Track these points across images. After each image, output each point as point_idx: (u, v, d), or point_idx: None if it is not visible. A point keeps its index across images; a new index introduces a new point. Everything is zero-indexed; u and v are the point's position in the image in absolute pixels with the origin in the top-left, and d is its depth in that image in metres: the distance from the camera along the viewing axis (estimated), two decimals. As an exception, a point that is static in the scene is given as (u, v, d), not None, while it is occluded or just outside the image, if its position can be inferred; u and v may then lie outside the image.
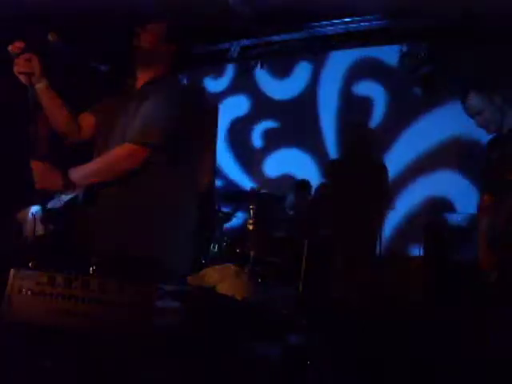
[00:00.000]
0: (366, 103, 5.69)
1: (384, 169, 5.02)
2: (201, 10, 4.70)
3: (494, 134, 3.12)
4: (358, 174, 4.75)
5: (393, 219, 5.28)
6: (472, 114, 3.07)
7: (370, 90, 5.70)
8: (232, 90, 6.52)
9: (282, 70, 6.21)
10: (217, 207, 5.01)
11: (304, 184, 5.23)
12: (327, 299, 3.62)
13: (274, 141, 6.23)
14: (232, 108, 6.51)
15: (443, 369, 2.68)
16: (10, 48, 2.45)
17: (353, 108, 5.80)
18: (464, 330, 2.94)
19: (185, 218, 2.56)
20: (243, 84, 6.39)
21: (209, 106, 6.19)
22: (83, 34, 5.16)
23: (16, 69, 2.45)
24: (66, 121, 2.64)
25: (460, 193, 4.94)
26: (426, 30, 4.94)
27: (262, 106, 6.34)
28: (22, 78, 2.47)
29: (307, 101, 6.06)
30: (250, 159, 6.39)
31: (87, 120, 2.71)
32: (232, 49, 5.77)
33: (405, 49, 5.15)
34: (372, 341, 3.00)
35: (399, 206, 5.32)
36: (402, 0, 4.78)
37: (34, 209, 3.91)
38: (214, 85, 6.56)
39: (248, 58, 6.09)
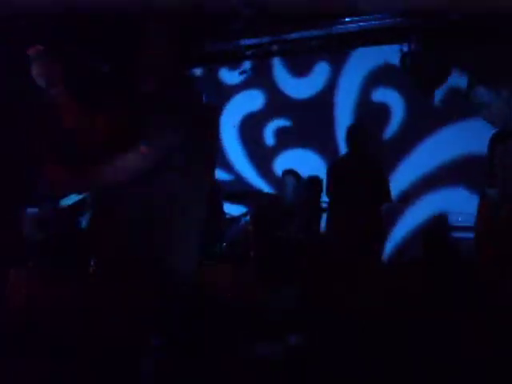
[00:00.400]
0: (382, 109, 5.58)
1: (389, 179, 4.93)
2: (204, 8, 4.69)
3: (498, 129, 3.10)
4: (364, 181, 4.67)
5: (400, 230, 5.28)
6: (479, 107, 3.05)
7: (388, 96, 5.58)
8: (248, 83, 6.33)
9: (301, 68, 6.08)
10: (223, 209, 4.99)
11: (292, 172, 5.22)
12: (327, 299, 3.61)
13: (286, 140, 6.12)
14: (246, 102, 6.35)
15: (442, 370, 2.68)
16: (29, 51, 2.49)
17: (369, 113, 5.66)
18: (464, 332, 2.94)
19: (195, 219, 2.58)
20: (260, 79, 6.24)
21: (213, 106, 6.16)
22: (94, 34, 5.20)
23: (34, 71, 2.48)
24: (80, 124, 2.67)
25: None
26: (427, 29, 4.94)
27: (278, 103, 6.20)
28: (39, 81, 2.51)
29: (324, 101, 5.94)
30: (260, 156, 6.26)
31: (100, 122, 2.73)
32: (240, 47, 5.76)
33: (405, 49, 5.14)
34: (372, 341, 3.00)
35: (408, 218, 5.32)
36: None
37: (32, 210, 3.91)
38: (229, 77, 6.40)
39: (263, 55, 6.00)
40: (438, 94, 5.25)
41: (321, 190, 5.05)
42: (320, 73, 6.01)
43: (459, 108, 4.98)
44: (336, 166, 4.68)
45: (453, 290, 3.35)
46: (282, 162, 6.03)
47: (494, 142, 3.15)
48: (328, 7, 4.80)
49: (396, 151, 5.49)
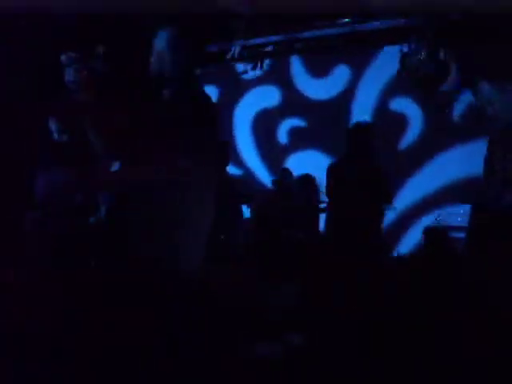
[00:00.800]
0: (399, 119, 5.51)
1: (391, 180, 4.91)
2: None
3: (502, 126, 3.08)
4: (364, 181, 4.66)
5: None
6: (483, 104, 3.04)
7: (406, 106, 5.50)
8: (265, 79, 6.27)
9: (320, 69, 6.00)
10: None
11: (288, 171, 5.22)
12: (327, 299, 3.62)
13: (299, 140, 6.06)
14: (262, 98, 6.28)
15: (443, 370, 2.68)
16: (62, 57, 2.57)
17: (385, 122, 5.57)
18: (464, 332, 2.94)
19: (202, 219, 2.60)
20: (277, 76, 6.17)
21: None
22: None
23: (66, 77, 2.55)
24: (103, 128, 2.72)
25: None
26: (428, 29, 4.93)
27: (293, 101, 6.13)
28: (72, 86, 2.60)
29: (340, 105, 5.85)
30: (272, 154, 6.20)
31: (120, 127, 2.77)
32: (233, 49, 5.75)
33: (405, 49, 5.14)
34: (372, 341, 3.00)
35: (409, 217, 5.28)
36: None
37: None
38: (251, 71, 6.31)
39: (282, 53, 5.94)
40: (458, 109, 5.18)
41: (317, 189, 5.05)
42: (339, 75, 5.92)
43: (478, 125, 4.90)
44: (336, 167, 4.67)
45: (453, 289, 3.35)
46: (294, 162, 5.96)
47: (493, 142, 3.14)
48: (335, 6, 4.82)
49: (409, 163, 5.42)
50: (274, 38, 5.76)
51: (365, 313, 3.26)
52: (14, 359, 2.56)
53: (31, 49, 4.76)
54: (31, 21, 4.53)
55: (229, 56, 5.92)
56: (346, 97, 5.86)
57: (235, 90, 6.38)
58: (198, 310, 2.61)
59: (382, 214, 4.61)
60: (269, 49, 5.92)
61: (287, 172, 5.45)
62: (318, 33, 5.58)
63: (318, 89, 6.01)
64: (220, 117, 2.95)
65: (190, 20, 4.82)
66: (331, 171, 4.62)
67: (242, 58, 5.96)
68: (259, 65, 6.10)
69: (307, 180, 5.18)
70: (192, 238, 2.52)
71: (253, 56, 6.06)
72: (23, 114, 4.68)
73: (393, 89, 5.60)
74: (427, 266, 4.11)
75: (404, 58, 5.11)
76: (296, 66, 6.13)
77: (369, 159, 4.59)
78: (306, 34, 5.63)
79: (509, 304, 2.85)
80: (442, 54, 4.97)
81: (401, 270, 4.25)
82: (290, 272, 3.90)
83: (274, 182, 5.45)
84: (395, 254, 5.27)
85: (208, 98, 2.67)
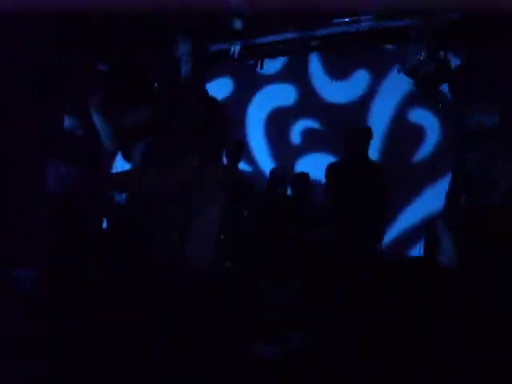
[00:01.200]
0: (417, 131, 5.38)
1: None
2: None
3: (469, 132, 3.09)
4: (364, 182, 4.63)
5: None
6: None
7: (424, 118, 5.35)
8: (282, 76, 6.13)
9: (339, 71, 5.83)
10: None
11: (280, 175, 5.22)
12: (327, 298, 3.62)
13: (312, 142, 5.92)
14: (278, 95, 6.15)
15: (443, 370, 2.68)
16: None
17: (403, 134, 5.46)
18: (464, 332, 2.94)
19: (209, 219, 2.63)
20: (295, 74, 6.04)
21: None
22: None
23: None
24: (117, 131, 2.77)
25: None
26: (428, 29, 4.93)
27: (310, 102, 5.98)
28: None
29: (358, 110, 5.68)
30: (283, 153, 6.08)
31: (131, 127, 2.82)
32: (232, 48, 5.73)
33: (405, 49, 5.14)
34: (373, 341, 3.00)
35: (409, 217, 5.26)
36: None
37: None
38: (268, 66, 6.16)
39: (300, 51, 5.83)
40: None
41: (312, 188, 5.06)
42: (359, 80, 5.77)
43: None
44: (336, 167, 4.67)
45: (453, 289, 3.36)
46: (306, 164, 5.84)
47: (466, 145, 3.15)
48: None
49: (422, 177, 5.30)
50: (291, 35, 5.64)
51: (365, 313, 3.27)
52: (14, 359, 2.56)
53: (36, 47, 4.77)
54: (31, 21, 4.53)
55: (230, 55, 5.93)
56: (364, 102, 5.73)
57: (251, 84, 6.24)
58: (197, 310, 2.62)
59: (382, 214, 4.62)
60: (285, 46, 5.79)
61: (290, 171, 5.44)
62: (334, 30, 5.44)
63: (335, 91, 5.87)
64: (230, 116, 2.94)
65: (193, 20, 4.85)
66: (330, 171, 4.63)
67: (241, 58, 5.94)
68: (259, 65, 6.09)
69: (308, 179, 5.18)
70: (200, 237, 2.54)
71: (253, 55, 6.04)
72: (32, 112, 4.70)
73: (412, 99, 5.46)
74: (428, 266, 4.11)
75: (404, 58, 5.11)
76: (315, 66, 6.02)
77: (368, 160, 4.60)
78: (323, 32, 5.48)
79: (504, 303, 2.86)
80: (441, 54, 4.97)
81: (401, 270, 4.25)
82: (290, 272, 3.91)
83: (276, 181, 5.42)
84: (396, 254, 5.26)
85: (215, 99, 2.70)
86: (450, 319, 3.08)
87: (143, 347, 2.53)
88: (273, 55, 6.01)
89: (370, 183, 4.48)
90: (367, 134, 4.62)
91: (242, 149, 5.12)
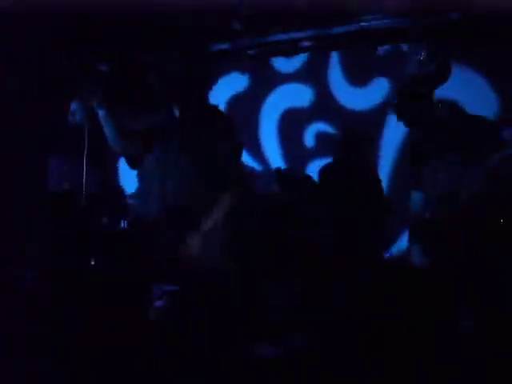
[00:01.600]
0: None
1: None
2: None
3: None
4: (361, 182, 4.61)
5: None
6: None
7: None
8: (300, 76, 5.97)
9: (359, 78, 5.67)
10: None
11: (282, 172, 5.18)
12: (328, 298, 3.62)
13: (326, 146, 5.69)
14: (293, 95, 6.00)
15: (443, 371, 2.68)
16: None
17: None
18: (464, 333, 2.94)
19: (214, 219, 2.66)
20: (313, 75, 5.89)
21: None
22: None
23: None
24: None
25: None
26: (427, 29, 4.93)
27: (326, 105, 5.84)
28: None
29: (374, 120, 5.51)
30: (295, 155, 5.97)
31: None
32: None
33: (405, 49, 5.13)
34: (373, 341, 3.00)
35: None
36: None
37: None
38: (283, 65, 6.04)
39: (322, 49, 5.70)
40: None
41: (312, 188, 5.05)
42: (378, 89, 5.60)
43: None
44: (332, 168, 4.67)
45: (453, 290, 3.36)
46: (317, 168, 5.64)
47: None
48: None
49: None
50: (311, 33, 5.52)
51: (366, 313, 3.27)
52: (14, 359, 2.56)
53: (36, 47, 4.77)
54: (31, 21, 4.53)
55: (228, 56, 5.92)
56: (381, 112, 5.52)
57: (266, 82, 6.11)
58: (198, 310, 2.62)
59: (381, 214, 4.62)
60: (306, 44, 5.68)
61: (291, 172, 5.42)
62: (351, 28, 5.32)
63: (353, 97, 5.72)
64: (230, 121, 2.95)
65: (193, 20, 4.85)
66: (325, 173, 4.64)
67: (258, 54, 5.89)
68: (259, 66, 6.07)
69: (310, 180, 5.18)
70: (201, 237, 2.54)
71: (270, 52, 5.98)
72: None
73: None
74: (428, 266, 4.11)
75: (404, 58, 5.10)
76: (334, 69, 5.85)
77: (363, 163, 4.60)
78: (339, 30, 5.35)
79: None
80: (441, 54, 4.97)
81: (401, 270, 4.25)
82: (291, 272, 3.91)
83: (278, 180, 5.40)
84: (396, 254, 5.26)
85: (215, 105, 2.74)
86: (450, 319, 3.08)
87: (143, 347, 2.53)
88: (290, 53, 5.88)
89: (366, 186, 4.49)
90: (364, 137, 4.63)
91: (240, 150, 5.10)
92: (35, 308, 3.03)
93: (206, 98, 2.84)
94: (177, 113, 2.70)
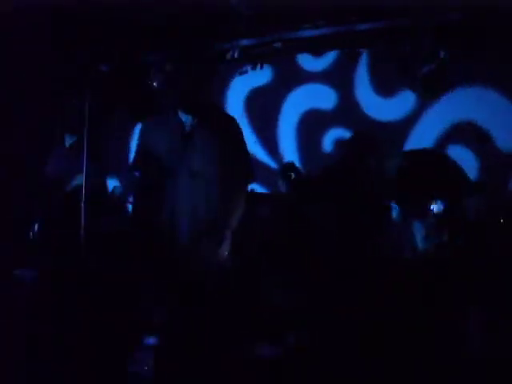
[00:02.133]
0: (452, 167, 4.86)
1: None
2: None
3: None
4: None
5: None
6: None
7: (463, 156, 4.95)
8: (326, 77, 5.81)
9: (386, 88, 5.48)
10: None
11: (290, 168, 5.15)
12: (328, 298, 3.62)
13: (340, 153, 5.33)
14: (316, 96, 5.84)
15: (443, 371, 2.68)
16: None
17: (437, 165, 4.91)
18: (465, 333, 2.94)
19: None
20: (339, 78, 5.73)
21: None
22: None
23: None
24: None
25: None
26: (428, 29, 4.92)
27: (349, 111, 5.66)
28: None
29: (397, 132, 5.33)
30: (311, 158, 5.81)
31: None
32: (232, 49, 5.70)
33: (405, 48, 5.12)
34: (373, 341, 3.00)
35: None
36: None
37: None
38: (311, 63, 5.87)
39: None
40: None
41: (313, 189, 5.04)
42: (405, 101, 5.42)
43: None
44: (331, 170, 4.67)
45: (453, 289, 3.36)
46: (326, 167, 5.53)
47: None
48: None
49: None
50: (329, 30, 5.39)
51: (366, 313, 3.27)
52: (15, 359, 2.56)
53: (36, 47, 4.77)
54: (31, 21, 4.53)
55: (229, 56, 5.91)
56: (404, 126, 5.39)
57: (290, 78, 5.96)
58: (198, 310, 2.62)
59: (382, 214, 4.62)
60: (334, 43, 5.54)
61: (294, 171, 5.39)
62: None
63: (377, 106, 5.54)
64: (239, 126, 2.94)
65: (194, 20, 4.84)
66: (325, 174, 4.63)
67: (241, 59, 5.90)
68: (259, 65, 6.06)
69: (312, 180, 5.17)
70: (201, 237, 2.55)
71: (254, 56, 5.99)
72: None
73: (455, 134, 5.16)
74: (428, 266, 4.11)
75: (404, 58, 5.10)
76: (361, 75, 5.67)
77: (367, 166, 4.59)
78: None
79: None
80: (442, 54, 4.97)
81: (402, 270, 4.25)
82: (291, 272, 3.91)
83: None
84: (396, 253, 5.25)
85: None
86: (450, 319, 3.08)
87: (144, 347, 2.54)
88: (318, 52, 5.76)
89: (368, 188, 4.49)
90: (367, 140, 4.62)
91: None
92: (35, 308, 3.03)
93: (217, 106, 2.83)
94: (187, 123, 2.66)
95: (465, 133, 5.07)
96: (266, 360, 2.81)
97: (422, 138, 5.28)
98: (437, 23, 4.83)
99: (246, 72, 6.06)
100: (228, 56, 5.79)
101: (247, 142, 2.76)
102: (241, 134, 2.70)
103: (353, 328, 3.09)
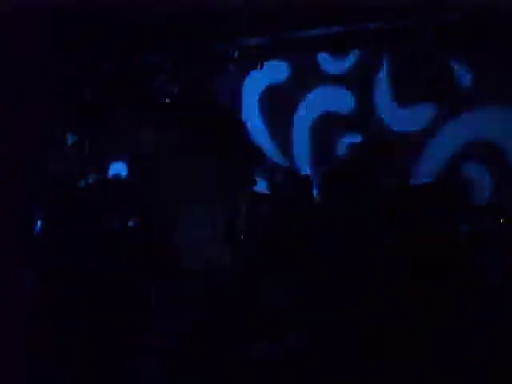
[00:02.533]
0: (466, 184, 4.86)
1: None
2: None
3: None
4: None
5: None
6: None
7: (478, 174, 4.93)
8: (345, 80, 5.66)
9: (407, 98, 5.31)
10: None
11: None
12: (328, 298, 3.62)
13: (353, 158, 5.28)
14: (334, 98, 5.71)
15: (443, 371, 2.68)
16: None
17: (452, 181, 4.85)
18: (465, 333, 2.94)
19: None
20: (360, 84, 5.57)
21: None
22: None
23: None
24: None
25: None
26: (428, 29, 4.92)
27: (367, 119, 5.51)
28: None
29: (414, 143, 5.21)
30: (323, 161, 5.72)
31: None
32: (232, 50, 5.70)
33: (405, 51, 5.13)
34: (373, 341, 3.00)
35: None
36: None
37: None
38: (334, 66, 5.68)
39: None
40: None
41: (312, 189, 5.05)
42: (424, 114, 5.25)
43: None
44: (333, 171, 4.69)
45: (453, 289, 3.36)
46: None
47: None
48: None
49: None
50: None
51: (366, 313, 3.27)
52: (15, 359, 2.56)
53: (36, 47, 4.77)
54: (31, 21, 4.53)
55: (229, 56, 5.91)
56: (421, 138, 5.24)
57: (308, 79, 5.84)
58: (198, 310, 2.62)
59: (383, 214, 4.62)
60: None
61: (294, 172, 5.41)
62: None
63: (396, 115, 5.39)
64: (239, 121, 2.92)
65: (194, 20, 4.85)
66: (329, 174, 4.64)
67: (241, 59, 5.89)
68: (259, 66, 6.06)
69: (311, 181, 5.18)
70: (201, 237, 2.56)
71: (253, 56, 5.99)
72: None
73: (472, 151, 5.04)
74: (428, 266, 4.11)
75: (404, 58, 5.10)
76: (382, 81, 5.52)
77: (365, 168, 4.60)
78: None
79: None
80: (442, 55, 4.97)
81: (401, 270, 4.25)
82: (291, 272, 3.91)
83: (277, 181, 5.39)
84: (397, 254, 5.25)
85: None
86: (450, 319, 3.08)
87: (144, 347, 2.54)
88: (340, 53, 5.61)
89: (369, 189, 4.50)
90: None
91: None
92: (35, 308, 3.03)
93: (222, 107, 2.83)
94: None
95: (480, 150, 4.93)
96: (266, 360, 2.81)
97: (436, 152, 5.16)
98: (437, 23, 4.85)
99: (248, 72, 6.06)
100: (228, 56, 5.80)
101: (252, 144, 2.76)
102: (243, 135, 2.71)
103: (353, 328, 3.09)
